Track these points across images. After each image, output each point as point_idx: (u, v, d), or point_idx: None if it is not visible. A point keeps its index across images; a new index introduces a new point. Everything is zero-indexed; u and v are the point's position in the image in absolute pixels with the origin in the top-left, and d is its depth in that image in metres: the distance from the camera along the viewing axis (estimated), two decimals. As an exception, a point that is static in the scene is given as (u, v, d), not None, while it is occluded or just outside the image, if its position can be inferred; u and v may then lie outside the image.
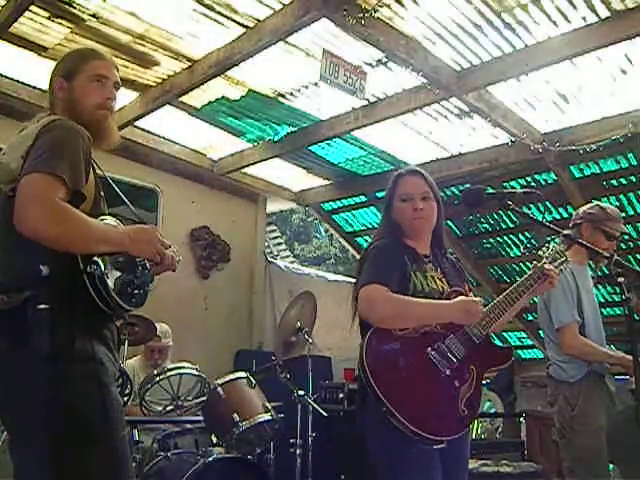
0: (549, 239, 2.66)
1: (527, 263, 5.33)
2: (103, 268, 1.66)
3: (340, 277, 7.20)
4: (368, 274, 2.10)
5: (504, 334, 6.54)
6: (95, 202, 1.79)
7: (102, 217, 1.78)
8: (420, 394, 2.00)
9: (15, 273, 1.70)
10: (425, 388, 2.02)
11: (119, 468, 1.67)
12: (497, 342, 2.16)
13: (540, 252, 2.41)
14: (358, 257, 6.65)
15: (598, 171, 4.74)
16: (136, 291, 1.79)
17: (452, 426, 2.04)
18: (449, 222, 5.75)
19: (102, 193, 1.85)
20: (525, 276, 2.32)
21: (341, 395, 4.91)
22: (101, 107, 1.90)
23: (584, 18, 3.38)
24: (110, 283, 1.68)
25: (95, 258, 1.66)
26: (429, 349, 2.06)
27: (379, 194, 5.77)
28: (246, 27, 3.71)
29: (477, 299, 2.14)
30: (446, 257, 2.35)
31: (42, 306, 1.60)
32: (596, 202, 3.21)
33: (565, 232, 2.52)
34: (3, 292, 1.67)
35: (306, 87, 4.34)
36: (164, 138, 5.31)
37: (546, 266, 2.31)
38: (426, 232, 2.30)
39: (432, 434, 1.97)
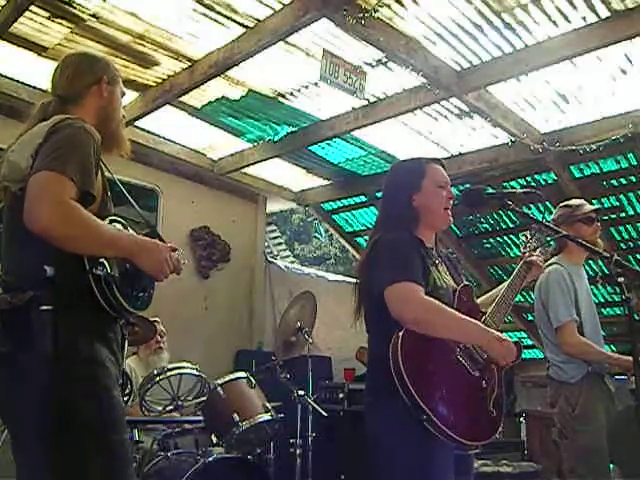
0: (548, 239, 2.67)
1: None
2: (109, 269, 1.65)
3: (340, 277, 7.20)
4: (397, 269, 1.98)
5: (504, 334, 6.53)
6: (102, 203, 1.78)
7: (110, 218, 1.77)
8: (455, 399, 1.94)
9: (19, 273, 1.69)
10: (459, 391, 1.97)
11: (118, 472, 1.66)
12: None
13: (520, 241, 2.53)
14: (357, 252, 6.67)
15: (598, 171, 4.74)
16: (141, 294, 1.79)
17: (486, 429, 2.00)
18: (449, 222, 5.75)
19: (109, 194, 1.85)
20: (516, 271, 2.39)
21: (341, 395, 4.92)
22: (122, 121, 2.02)
23: (584, 18, 3.38)
24: (115, 285, 1.67)
25: (101, 260, 1.65)
26: (457, 350, 2.01)
27: (379, 194, 5.76)
28: (246, 27, 3.71)
29: (511, 342, 2.07)
30: (441, 250, 2.32)
31: (45, 307, 1.60)
32: (559, 205, 3.22)
33: (564, 233, 2.53)
34: (7, 292, 1.66)
35: (306, 87, 4.34)
36: (164, 138, 5.31)
37: (533, 258, 2.42)
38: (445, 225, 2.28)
39: (470, 439, 1.92)
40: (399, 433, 1.94)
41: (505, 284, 2.36)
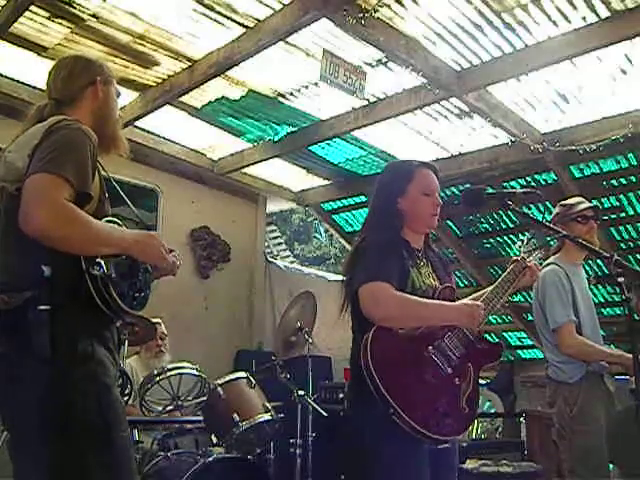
0: (548, 239, 2.67)
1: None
2: (106, 270, 1.66)
3: (340, 277, 7.18)
4: (370, 270, 2.05)
5: (504, 334, 6.54)
6: (100, 203, 1.78)
7: (107, 218, 1.78)
8: (425, 394, 2.00)
9: (16, 273, 1.70)
10: (429, 388, 2.02)
11: (119, 469, 1.67)
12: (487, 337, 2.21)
13: (516, 246, 2.50)
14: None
15: (598, 171, 4.74)
16: (137, 294, 1.80)
17: (456, 425, 2.05)
18: (449, 222, 5.76)
19: (106, 194, 1.85)
20: (507, 271, 2.36)
21: (341, 395, 4.91)
22: (118, 121, 2.03)
23: (584, 18, 3.38)
24: (112, 285, 1.67)
25: (98, 259, 1.65)
26: (430, 347, 2.06)
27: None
28: (246, 27, 3.71)
29: (479, 303, 2.14)
30: (432, 249, 2.34)
31: (43, 307, 1.60)
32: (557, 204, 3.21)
33: (563, 232, 2.53)
34: (4, 292, 1.66)
35: (306, 87, 4.34)
36: (164, 138, 5.31)
37: (527, 261, 2.39)
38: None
39: (439, 434, 1.97)
40: (374, 428, 2.00)
41: (492, 286, 2.36)
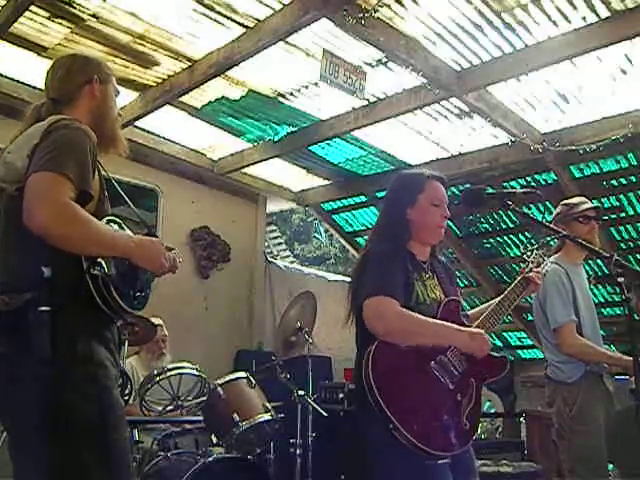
0: (548, 239, 2.67)
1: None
2: (106, 270, 1.65)
3: (340, 277, 7.20)
4: (375, 283, 2.04)
5: (504, 334, 6.55)
6: (99, 202, 1.78)
7: (107, 218, 1.77)
8: (425, 410, 1.98)
9: (16, 274, 1.69)
10: (430, 403, 2.00)
11: (118, 470, 1.67)
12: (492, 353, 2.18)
13: (525, 257, 2.50)
14: (357, 252, 6.68)
15: (598, 171, 4.75)
16: (138, 293, 1.79)
17: (456, 441, 2.02)
18: (449, 222, 5.74)
19: (106, 194, 1.85)
20: (514, 283, 2.37)
21: (341, 395, 4.91)
22: (117, 120, 2.01)
23: (584, 18, 3.38)
24: (113, 285, 1.67)
25: (99, 260, 1.65)
26: (432, 363, 2.04)
27: (379, 194, 5.77)
28: (246, 27, 3.71)
29: (484, 333, 2.12)
30: (438, 259, 2.34)
31: (43, 308, 1.60)
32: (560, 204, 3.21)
33: (564, 233, 2.53)
34: (4, 293, 1.66)
35: (306, 87, 4.34)
36: (164, 138, 5.31)
37: (532, 273, 2.40)
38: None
39: (437, 450, 1.95)
40: (381, 442, 1.99)
41: (498, 298, 2.35)
